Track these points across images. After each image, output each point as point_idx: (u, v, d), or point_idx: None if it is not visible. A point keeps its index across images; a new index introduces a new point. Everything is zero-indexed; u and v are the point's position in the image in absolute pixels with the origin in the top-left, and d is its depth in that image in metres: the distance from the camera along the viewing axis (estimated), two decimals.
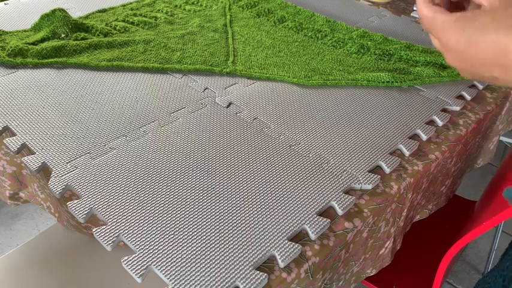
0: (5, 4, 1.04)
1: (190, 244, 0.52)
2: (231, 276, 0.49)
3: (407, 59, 0.91)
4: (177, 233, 0.53)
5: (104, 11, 1.02)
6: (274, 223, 0.55)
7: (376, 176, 0.63)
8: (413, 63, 0.90)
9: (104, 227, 0.54)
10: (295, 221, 0.56)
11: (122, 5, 1.05)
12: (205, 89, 0.80)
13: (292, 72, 0.85)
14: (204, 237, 0.53)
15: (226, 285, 0.48)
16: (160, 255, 0.51)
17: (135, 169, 0.62)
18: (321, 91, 0.82)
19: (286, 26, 1.01)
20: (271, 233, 0.54)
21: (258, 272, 0.50)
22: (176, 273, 0.49)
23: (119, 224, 0.54)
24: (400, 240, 0.73)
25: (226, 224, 0.55)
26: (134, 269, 0.49)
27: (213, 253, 0.51)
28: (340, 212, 0.58)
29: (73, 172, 0.61)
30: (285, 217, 0.56)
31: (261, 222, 0.55)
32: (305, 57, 0.90)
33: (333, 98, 0.80)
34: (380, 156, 0.67)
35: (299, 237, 0.55)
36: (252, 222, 0.55)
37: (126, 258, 0.50)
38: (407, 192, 0.65)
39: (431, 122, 0.76)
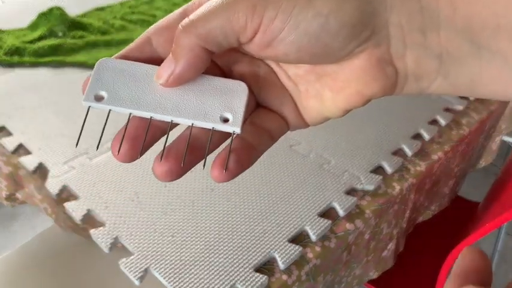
0: (2, 2, 1.03)
1: (189, 245, 0.51)
2: (231, 278, 0.48)
3: None
4: (176, 234, 0.52)
5: (101, 9, 1.01)
6: (274, 224, 0.54)
7: (378, 176, 0.62)
8: None
9: (102, 228, 0.53)
10: (295, 222, 0.55)
11: (120, 2, 1.04)
12: None
13: None
14: (203, 238, 0.52)
15: (226, 287, 0.47)
16: (158, 257, 0.50)
17: (133, 170, 0.61)
18: None
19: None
20: (271, 235, 0.53)
21: (258, 274, 0.49)
22: (175, 275, 0.48)
23: (116, 225, 0.53)
24: (403, 242, 0.72)
25: (226, 225, 0.54)
26: (132, 271, 0.48)
27: (212, 254, 0.50)
28: (341, 213, 0.57)
29: (70, 173, 0.60)
30: (286, 218, 0.55)
31: (261, 223, 0.54)
32: None
33: None
34: (382, 157, 0.66)
35: (300, 238, 0.54)
36: (252, 223, 0.54)
37: (124, 260, 0.49)
38: (409, 193, 0.64)
39: (434, 122, 0.75)
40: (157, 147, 0.24)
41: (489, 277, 0.21)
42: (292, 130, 0.28)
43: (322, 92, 0.26)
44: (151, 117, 0.24)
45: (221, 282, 0.48)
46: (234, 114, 0.24)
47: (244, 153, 0.24)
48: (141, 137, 0.24)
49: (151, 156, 0.65)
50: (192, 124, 0.24)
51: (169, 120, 0.24)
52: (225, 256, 0.50)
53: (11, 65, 0.81)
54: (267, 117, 0.26)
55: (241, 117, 0.24)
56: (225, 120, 0.24)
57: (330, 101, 0.26)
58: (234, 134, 0.24)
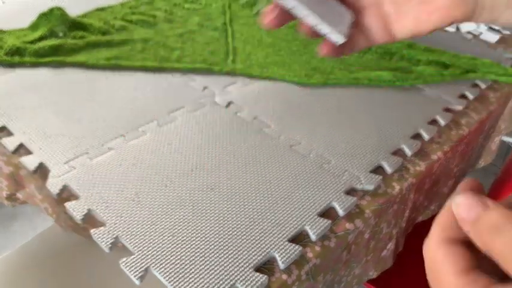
0: (2, 2, 1.04)
1: (189, 245, 0.51)
2: (231, 277, 0.48)
3: (409, 57, 0.90)
4: (176, 233, 0.53)
5: (102, 9, 1.01)
6: (274, 224, 0.54)
7: (377, 176, 0.62)
8: (415, 62, 0.89)
9: (102, 228, 0.53)
10: (295, 221, 0.55)
11: (120, 3, 1.04)
12: (204, 88, 0.79)
13: (293, 71, 0.84)
14: (204, 238, 0.52)
15: (226, 287, 0.47)
16: (159, 257, 0.50)
17: (134, 169, 0.61)
18: (322, 90, 0.81)
19: (287, 24, 1.00)
20: (271, 234, 0.53)
21: (257, 273, 0.49)
22: (175, 275, 0.48)
23: (117, 224, 0.53)
24: (402, 242, 0.72)
25: (226, 224, 0.54)
26: (133, 270, 0.48)
27: (213, 254, 0.51)
28: (341, 212, 0.57)
29: (71, 172, 0.60)
30: (286, 218, 0.55)
31: (261, 223, 0.54)
32: (306, 56, 0.89)
33: (333, 97, 0.79)
34: (382, 157, 0.66)
35: (300, 238, 0.54)
36: (252, 223, 0.54)
37: (124, 259, 0.49)
38: (409, 192, 0.64)
39: (433, 122, 0.75)
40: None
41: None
42: (377, 44, 0.41)
43: (420, 14, 0.36)
44: (291, 7, 0.37)
45: (221, 282, 0.48)
46: (341, 28, 0.37)
47: (346, 42, 0.39)
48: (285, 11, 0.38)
49: (150, 156, 0.66)
50: (316, 25, 0.38)
51: (304, 14, 0.37)
52: (225, 255, 0.51)
53: (11, 65, 0.81)
54: (359, 36, 0.40)
55: (345, 33, 0.38)
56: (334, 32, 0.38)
57: (424, 21, 0.36)
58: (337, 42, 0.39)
